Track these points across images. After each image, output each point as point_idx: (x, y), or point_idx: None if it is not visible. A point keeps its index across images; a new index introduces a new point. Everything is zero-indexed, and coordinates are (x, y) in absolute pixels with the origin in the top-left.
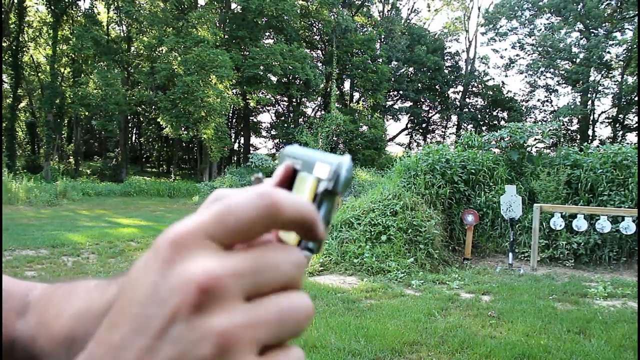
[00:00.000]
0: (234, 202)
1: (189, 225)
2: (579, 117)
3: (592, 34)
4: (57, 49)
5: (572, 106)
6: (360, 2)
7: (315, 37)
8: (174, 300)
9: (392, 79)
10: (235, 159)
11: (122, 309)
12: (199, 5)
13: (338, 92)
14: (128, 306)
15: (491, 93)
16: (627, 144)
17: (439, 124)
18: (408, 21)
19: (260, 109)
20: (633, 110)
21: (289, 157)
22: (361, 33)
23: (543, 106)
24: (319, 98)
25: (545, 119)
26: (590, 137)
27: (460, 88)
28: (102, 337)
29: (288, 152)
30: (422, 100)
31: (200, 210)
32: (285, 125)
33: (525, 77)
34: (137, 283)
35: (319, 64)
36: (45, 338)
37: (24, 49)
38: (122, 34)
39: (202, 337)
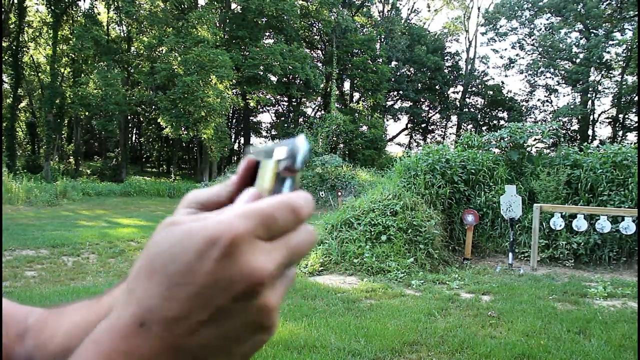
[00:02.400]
0: (272, 211)
1: (243, 227)
2: (579, 117)
3: (592, 34)
4: (57, 49)
5: (572, 106)
6: (360, 2)
7: (315, 37)
8: (238, 288)
9: (392, 79)
10: (235, 159)
11: (172, 283)
12: (199, 5)
13: (338, 92)
14: (183, 284)
15: (491, 93)
16: (627, 144)
17: (438, 124)
18: (408, 21)
19: (260, 109)
20: (633, 110)
21: (251, 154)
22: (361, 33)
23: (543, 106)
24: (319, 98)
25: (545, 119)
26: (590, 137)
27: (460, 88)
28: (149, 305)
29: (250, 150)
30: (422, 100)
31: (216, 213)
32: (285, 125)
33: (525, 77)
34: (189, 265)
35: (319, 64)
36: (41, 359)
37: (24, 49)
38: (122, 34)
39: (258, 311)
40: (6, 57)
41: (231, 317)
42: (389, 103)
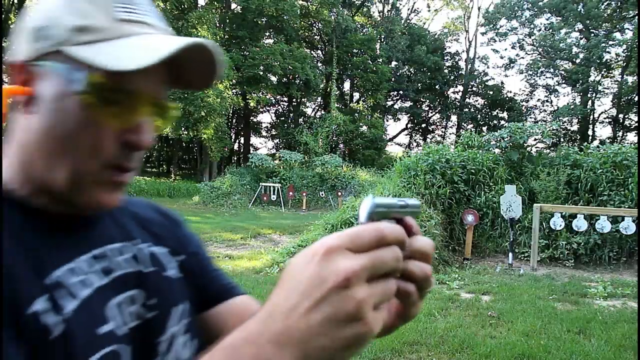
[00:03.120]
0: (359, 231)
1: (335, 241)
2: (579, 117)
3: (592, 34)
4: None
5: (572, 106)
6: (360, 2)
7: (315, 37)
8: (331, 281)
9: (392, 79)
10: (235, 159)
11: (291, 286)
12: (199, 5)
13: (338, 92)
14: (297, 283)
15: (491, 93)
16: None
17: (438, 124)
18: (408, 21)
19: (260, 109)
20: (633, 110)
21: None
22: (361, 33)
23: (543, 106)
24: (319, 98)
25: (545, 119)
26: (590, 137)
27: (460, 88)
28: (277, 302)
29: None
30: (422, 100)
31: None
32: (285, 125)
33: (525, 77)
34: (302, 271)
35: (319, 64)
36: None
37: None
38: None
39: (348, 301)
40: (6, 57)
41: (329, 305)
42: (389, 103)
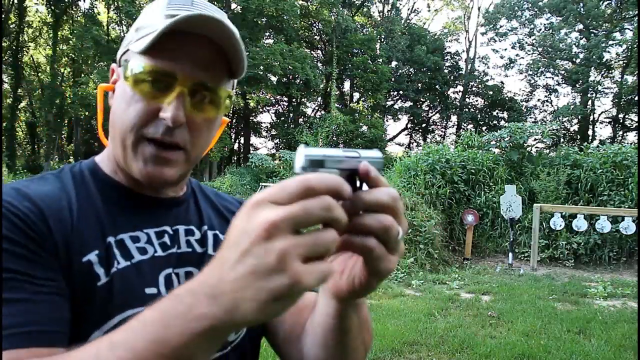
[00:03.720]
0: (286, 182)
1: (261, 194)
2: (579, 117)
3: (592, 34)
4: (57, 49)
5: (572, 106)
6: (360, 2)
7: (315, 37)
8: (252, 234)
9: (392, 79)
10: (235, 159)
11: (227, 238)
12: None
13: (338, 92)
14: (229, 236)
15: (491, 93)
16: (627, 144)
17: (438, 124)
18: (408, 21)
19: (260, 109)
20: (633, 110)
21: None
22: (361, 33)
23: (543, 106)
24: (319, 98)
25: (545, 119)
26: (590, 137)
27: (460, 88)
28: (217, 255)
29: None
30: (422, 100)
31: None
32: (285, 125)
33: (525, 77)
34: (234, 225)
35: (319, 64)
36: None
37: (24, 49)
38: (122, 34)
39: (269, 252)
40: (6, 57)
41: (252, 257)
42: (389, 103)
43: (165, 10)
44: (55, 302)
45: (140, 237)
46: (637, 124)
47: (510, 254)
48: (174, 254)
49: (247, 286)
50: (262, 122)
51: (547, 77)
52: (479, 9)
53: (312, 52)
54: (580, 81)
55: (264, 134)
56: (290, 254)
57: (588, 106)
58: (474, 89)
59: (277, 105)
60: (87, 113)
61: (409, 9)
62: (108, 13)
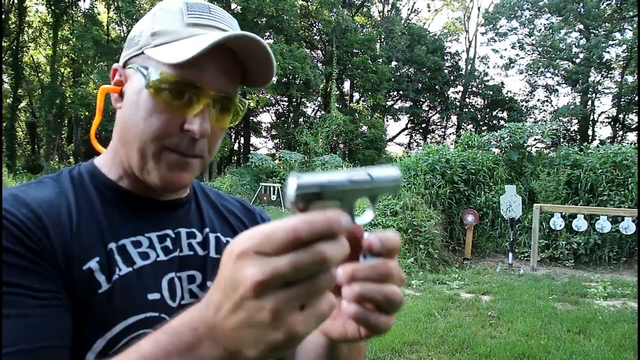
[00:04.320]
0: (273, 231)
1: (245, 245)
2: (579, 117)
3: (592, 34)
4: (57, 49)
5: (572, 106)
6: (360, 2)
7: (315, 37)
8: (241, 290)
9: (392, 79)
10: (235, 159)
11: (219, 280)
12: None
13: (338, 92)
14: (221, 280)
15: (491, 93)
16: (627, 144)
17: (438, 124)
18: (408, 21)
19: (260, 109)
20: (633, 110)
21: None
22: (361, 33)
23: (543, 106)
24: (319, 98)
25: (545, 119)
26: (590, 137)
27: (460, 88)
28: (211, 294)
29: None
30: (422, 100)
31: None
32: (285, 125)
33: (525, 77)
34: (223, 269)
35: (319, 64)
36: None
37: (24, 49)
38: (122, 34)
39: (260, 310)
40: (6, 57)
41: (244, 311)
42: (389, 103)
43: (186, 18)
44: (52, 315)
45: (142, 241)
46: (637, 124)
47: (510, 254)
48: (176, 257)
49: (245, 336)
50: (262, 122)
51: (547, 77)
52: (479, 9)
53: (312, 52)
54: (580, 81)
55: (264, 134)
56: (283, 310)
57: (588, 106)
58: (474, 89)
59: (277, 105)
60: (87, 113)
61: (409, 9)
62: (108, 13)
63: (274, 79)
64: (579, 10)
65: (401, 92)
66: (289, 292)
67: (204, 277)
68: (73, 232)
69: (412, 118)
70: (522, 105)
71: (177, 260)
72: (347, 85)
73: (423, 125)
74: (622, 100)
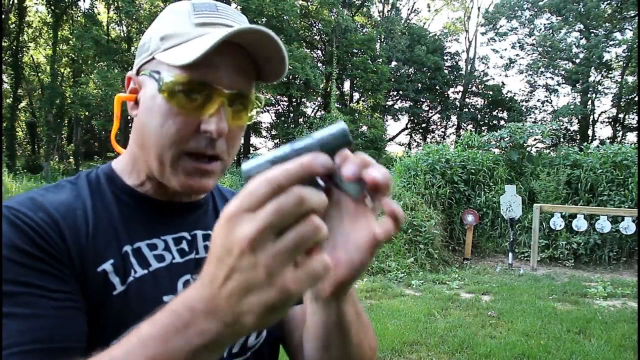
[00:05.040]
0: (252, 186)
1: (233, 206)
2: (579, 117)
3: (592, 34)
4: (57, 49)
5: (572, 106)
6: (360, 2)
7: (315, 37)
8: (235, 251)
9: (392, 79)
10: (235, 158)
11: (212, 252)
12: None
13: (338, 92)
14: (214, 250)
15: (491, 93)
16: (627, 144)
17: (438, 124)
18: (408, 21)
19: (260, 109)
20: (633, 110)
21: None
22: (361, 33)
23: (543, 106)
24: (319, 98)
25: (545, 119)
26: (590, 137)
27: (460, 88)
28: (205, 268)
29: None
30: (422, 100)
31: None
32: (285, 125)
33: (525, 77)
34: (215, 237)
35: (319, 64)
36: None
37: (24, 49)
38: (122, 34)
39: (256, 267)
40: (6, 57)
41: (240, 274)
42: (389, 103)
43: (193, 18)
44: (67, 316)
45: (158, 244)
46: (637, 124)
47: (510, 254)
48: (192, 259)
49: (241, 301)
50: (262, 122)
51: (547, 77)
52: (479, 9)
53: (312, 52)
54: (580, 81)
55: (264, 134)
56: (275, 266)
57: (588, 106)
58: (474, 89)
59: (277, 105)
60: (87, 113)
61: (409, 9)
62: (108, 13)
63: (286, 71)
64: (579, 10)
65: (401, 92)
66: (279, 244)
67: None
68: (89, 235)
69: (412, 118)
70: (522, 105)
71: (193, 262)
72: (347, 85)
73: (423, 125)
74: (622, 100)
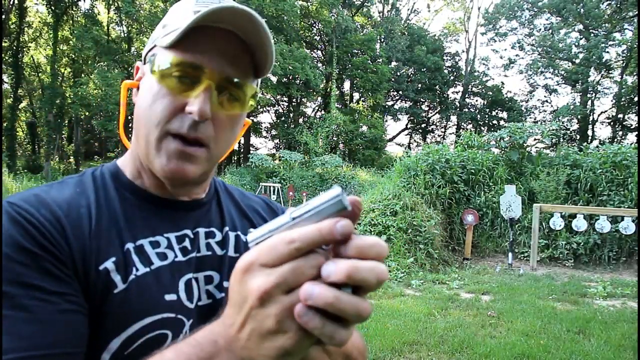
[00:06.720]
0: (275, 243)
1: (251, 257)
2: (579, 117)
3: (592, 34)
4: (57, 49)
5: (572, 106)
6: (360, 2)
7: (315, 37)
8: (249, 301)
9: (392, 79)
10: (235, 159)
11: (231, 296)
12: None
13: (338, 92)
14: (232, 296)
15: (491, 93)
16: (627, 144)
17: (438, 124)
18: (408, 21)
19: (260, 109)
20: (633, 110)
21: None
22: (361, 33)
23: (543, 106)
24: (319, 98)
25: (545, 119)
26: (590, 137)
27: (459, 88)
28: (226, 310)
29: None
30: (422, 100)
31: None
32: (285, 125)
33: (525, 77)
34: (233, 285)
35: (319, 64)
36: None
37: (25, 50)
38: (122, 34)
39: (267, 318)
40: (6, 57)
41: (253, 321)
42: (389, 103)
43: (193, 7)
44: (66, 319)
45: (161, 242)
46: (637, 124)
47: (510, 254)
48: (194, 258)
49: (257, 345)
50: (262, 122)
51: (547, 77)
52: (479, 9)
53: (312, 52)
54: (580, 81)
55: (264, 134)
56: (286, 316)
57: (588, 106)
58: (473, 89)
59: (277, 105)
60: (87, 113)
61: (409, 9)
62: (108, 13)
63: (271, 68)
64: (578, 10)
65: (401, 92)
66: (292, 296)
67: (221, 277)
68: (91, 232)
69: (412, 118)
70: (522, 105)
71: (195, 260)
72: (347, 86)
73: (423, 125)
74: (622, 100)
